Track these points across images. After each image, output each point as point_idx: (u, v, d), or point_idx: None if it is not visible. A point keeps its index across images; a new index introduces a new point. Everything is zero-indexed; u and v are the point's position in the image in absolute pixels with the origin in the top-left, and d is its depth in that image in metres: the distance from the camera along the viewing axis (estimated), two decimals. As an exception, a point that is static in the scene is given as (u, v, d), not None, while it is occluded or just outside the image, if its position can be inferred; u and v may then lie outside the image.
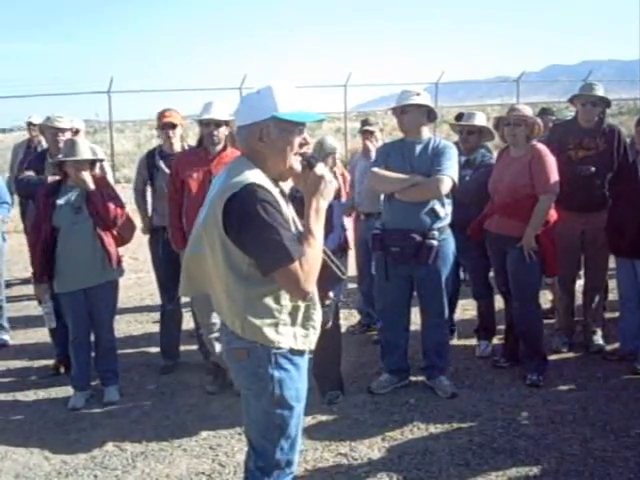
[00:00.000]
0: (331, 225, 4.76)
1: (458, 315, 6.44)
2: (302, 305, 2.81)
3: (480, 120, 5.64)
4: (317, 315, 2.91)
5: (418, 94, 4.86)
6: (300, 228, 2.78)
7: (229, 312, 2.81)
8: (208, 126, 5.11)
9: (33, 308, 6.74)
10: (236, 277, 2.70)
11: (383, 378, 5.23)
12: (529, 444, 4.29)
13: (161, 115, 5.78)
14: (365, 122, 6.69)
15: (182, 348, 6.00)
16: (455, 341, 6.06)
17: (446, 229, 4.94)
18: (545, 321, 5.73)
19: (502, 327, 5.78)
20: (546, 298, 6.68)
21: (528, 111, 5.15)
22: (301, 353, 2.87)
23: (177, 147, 5.73)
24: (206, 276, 2.89)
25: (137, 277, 8.95)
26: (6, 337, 6.62)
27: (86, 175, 5.00)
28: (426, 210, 4.82)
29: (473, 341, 5.96)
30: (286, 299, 2.76)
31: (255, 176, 2.68)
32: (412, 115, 4.87)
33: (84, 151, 5.03)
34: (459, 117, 5.95)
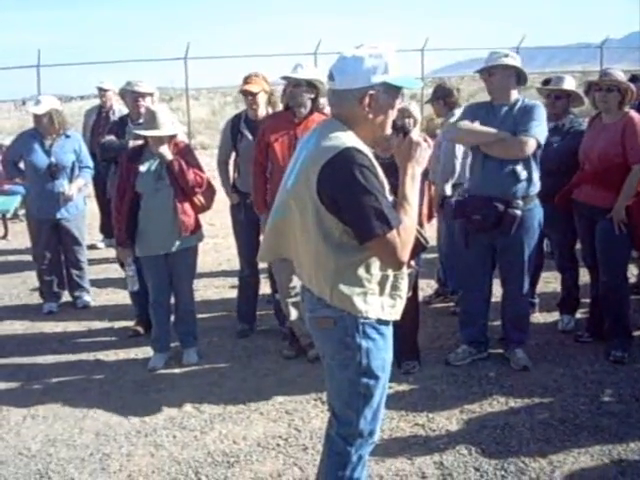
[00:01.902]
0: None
1: (540, 288, 6.26)
2: (391, 275, 2.74)
3: (569, 84, 5.41)
4: (404, 285, 2.84)
5: (506, 55, 4.66)
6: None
7: (317, 279, 2.75)
8: (297, 87, 5.03)
9: (114, 270, 6.87)
10: (327, 244, 2.63)
11: (461, 350, 5.13)
12: (613, 422, 4.16)
13: (243, 82, 5.74)
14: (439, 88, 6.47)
15: (258, 313, 6.01)
16: (537, 314, 5.93)
17: (533, 199, 4.77)
18: (632, 297, 5.54)
19: (586, 301, 5.61)
20: (632, 272, 6.46)
21: (621, 76, 4.91)
22: (387, 323, 2.82)
23: (262, 113, 5.66)
24: (289, 241, 2.84)
25: (214, 243, 9.01)
26: (88, 299, 6.77)
27: (164, 149, 5.02)
28: (512, 175, 4.64)
29: (555, 315, 5.81)
30: (376, 268, 2.69)
31: (351, 140, 2.59)
32: (499, 77, 4.66)
33: (164, 124, 5.01)
34: (547, 82, 5.73)
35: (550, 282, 6.49)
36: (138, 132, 5.18)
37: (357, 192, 2.50)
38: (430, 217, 6.09)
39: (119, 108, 8.00)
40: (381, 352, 2.82)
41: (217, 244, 8.99)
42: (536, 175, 4.75)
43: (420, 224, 5.41)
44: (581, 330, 5.46)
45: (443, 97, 6.19)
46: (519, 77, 4.71)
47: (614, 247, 4.89)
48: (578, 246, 5.48)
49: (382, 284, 2.75)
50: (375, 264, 2.69)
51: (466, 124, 4.74)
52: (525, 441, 4.01)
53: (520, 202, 4.67)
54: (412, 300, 4.81)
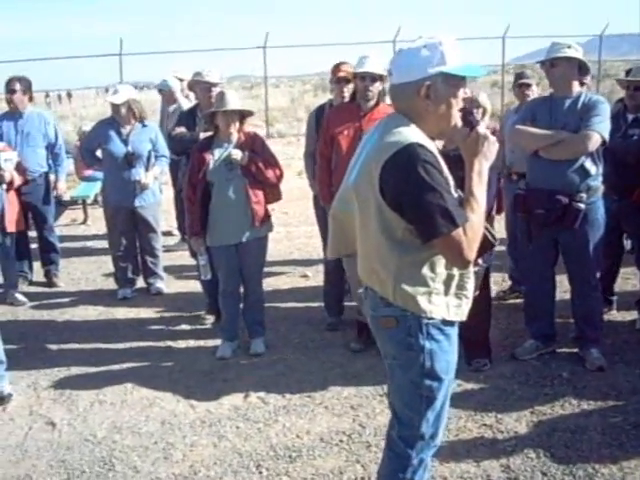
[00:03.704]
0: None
1: (619, 285, 6.06)
2: (457, 274, 2.66)
3: None
4: (470, 284, 2.75)
5: (569, 47, 4.54)
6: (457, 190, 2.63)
7: (379, 278, 2.69)
8: (363, 80, 4.97)
9: (187, 257, 6.96)
10: (390, 242, 2.57)
11: (528, 344, 5.05)
12: (690, 429, 3.98)
13: (336, 69, 5.65)
14: (520, 75, 6.34)
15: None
16: (614, 312, 5.72)
17: (597, 192, 4.63)
18: None
19: (667, 300, 5.39)
20: None
21: None
22: (452, 323, 2.74)
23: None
24: (353, 236, 2.80)
25: (287, 231, 9.06)
26: (162, 285, 6.89)
27: (237, 153, 5.02)
28: (575, 168, 4.53)
29: (634, 314, 5.59)
30: (441, 266, 2.61)
31: (415, 135, 2.52)
32: (561, 69, 4.55)
33: (233, 102, 5.04)
34: (629, 72, 5.52)
35: (629, 279, 6.27)
36: (209, 110, 5.22)
37: (421, 189, 2.43)
38: (500, 210, 5.94)
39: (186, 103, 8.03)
40: (445, 354, 2.74)
41: (289, 232, 9.03)
42: (600, 168, 4.62)
43: (490, 217, 5.35)
44: (661, 330, 5.25)
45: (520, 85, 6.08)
46: (580, 68, 4.61)
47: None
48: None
49: (447, 283, 2.67)
50: (440, 262, 2.61)
51: (523, 129, 4.68)
52: (596, 445, 3.87)
53: (584, 195, 4.55)
54: (484, 296, 4.73)
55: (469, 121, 2.64)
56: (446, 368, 2.75)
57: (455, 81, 2.56)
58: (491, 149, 2.61)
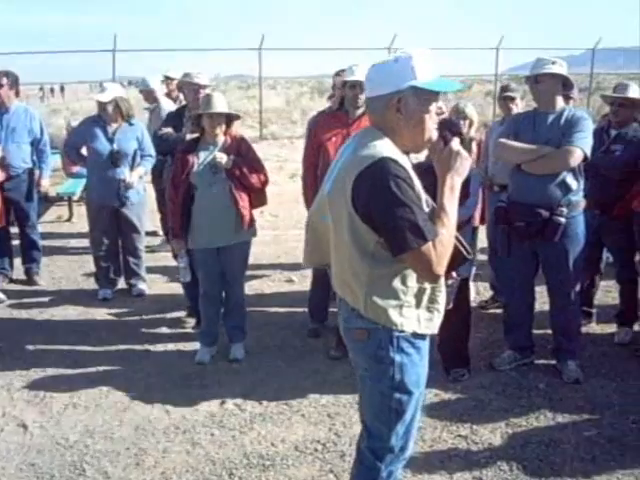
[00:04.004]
0: (467, 192, 4.56)
1: (599, 297, 6.08)
2: (428, 287, 2.66)
3: (634, 92, 5.21)
4: (442, 298, 2.75)
5: (553, 62, 4.59)
6: (429, 203, 2.63)
7: (351, 289, 2.69)
8: (353, 88, 4.98)
9: (172, 258, 6.93)
10: (361, 254, 2.58)
11: (506, 355, 5.07)
12: (663, 443, 4.00)
13: (337, 74, 5.68)
14: (505, 88, 6.36)
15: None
16: (593, 325, 5.75)
17: (577, 206, 4.67)
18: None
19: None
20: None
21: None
22: (424, 337, 2.74)
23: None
24: (328, 246, 2.80)
25: (275, 234, 9.04)
26: (143, 287, 6.85)
27: (221, 156, 4.99)
28: (556, 183, 4.58)
29: (613, 327, 5.61)
30: (413, 280, 2.62)
31: (388, 149, 2.52)
32: (546, 85, 4.60)
33: (220, 105, 5.02)
34: (616, 88, 5.54)
35: (610, 292, 6.28)
36: (195, 112, 5.21)
37: (391, 203, 2.44)
38: (483, 220, 5.96)
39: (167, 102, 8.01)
40: (416, 367, 2.73)
41: (278, 236, 9.01)
42: (581, 183, 4.67)
43: (473, 228, 5.35)
44: (638, 344, 5.26)
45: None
46: (564, 84, 4.66)
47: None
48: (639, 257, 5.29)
49: (419, 297, 2.67)
50: (412, 276, 2.62)
51: (507, 143, 4.72)
52: (569, 459, 3.88)
53: (564, 209, 4.58)
54: (463, 307, 4.76)
55: (443, 136, 2.64)
56: (416, 381, 2.75)
57: (426, 95, 2.56)
58: (463, 165, 2.61)
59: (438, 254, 2.47)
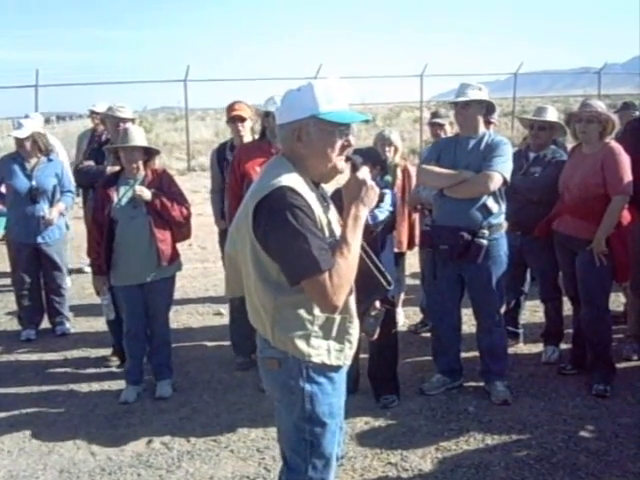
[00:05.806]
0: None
1: (526, 317, 6.16)
2: (337, 317, 2.62)
3: (552, 115, 5.34)
4: (354, 329, 2.71)
5: (480, 89, 4.70)
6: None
7: (260, 319, 2.65)
8: (273, 119, 4.98)
9: (97, 296, 6.76)
10: (265, 283, 2.54)
11: (435, 379, 5.08)
12: (590, 460, 4.03)
13: (230, 108, 5.69)
14: (435, 114, 6.46)
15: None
16: (521, 345, 5.80)
17: (499, 228, 4.75)
18: (617, 327, 5.44)
19: (571, 332, 5.45)
20: (619, 301, 6.34)
21: (602, 107, 4.83)
22: (336, 367, 2.69)
23: (248, 140, 5.59)
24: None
25: (203, 267, 8.94)
26: (67, 326, 6.66)
27: (141, 189, 4.92)
28: (477, 207, 4.66)
29: (541, 346, 5.67)
30: (319, 309, 2.57)
31: (289, 179, 2.50)
32: (473, 110, 4.71)
33: (137, 139, 4.95)
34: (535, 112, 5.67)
35: (537, 311, 6.36)
36: (111, 146, 5.15)
37: (286, 232, 2.42)
38: (411, 245, 6.01)
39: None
40: (328, 397, 2.68)
41: (207, 268, 8.89)
42: (503, 206, 4.76)
43: (401, 253, 5.36)
44: (565, 362, 5.33)
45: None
46: (487, 108, 4.80)
47: (594, 279, 4.77)
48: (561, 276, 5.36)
49: (327, 327, 2.63)
50: None
51: (428, 168, 4.81)
52: (499, 481, 3.87)
53: (486, 232, 4.65)
54: (391, 333, 4.74)
55: (352, 164, 2.63)
56: (329, 412, 2.69)
57: (328, 126, 2.54)
58: (369, 195, 2.58)
59: (334, 284, 2.44)
